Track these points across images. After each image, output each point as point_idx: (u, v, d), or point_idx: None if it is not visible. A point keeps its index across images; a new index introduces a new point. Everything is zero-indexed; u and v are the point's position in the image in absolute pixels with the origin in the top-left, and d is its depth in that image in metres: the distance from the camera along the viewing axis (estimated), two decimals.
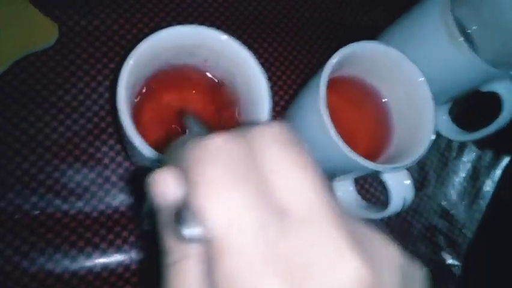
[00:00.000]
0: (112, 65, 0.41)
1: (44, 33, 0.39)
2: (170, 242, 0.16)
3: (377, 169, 0.33)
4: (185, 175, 0.15)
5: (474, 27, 0.46)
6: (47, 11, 0.40)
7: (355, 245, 0.14)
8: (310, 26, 0.49)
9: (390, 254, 0.16)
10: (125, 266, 0.36)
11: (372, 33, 0.46)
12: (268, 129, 0.16)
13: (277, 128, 0.16)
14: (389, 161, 0.37)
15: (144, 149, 0.27)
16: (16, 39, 0.38)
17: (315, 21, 0.50)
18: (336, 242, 0.14)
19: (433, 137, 0.35)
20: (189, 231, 0.14)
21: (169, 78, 0.35)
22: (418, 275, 0.17)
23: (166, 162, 0.17)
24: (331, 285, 0.13)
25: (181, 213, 0.14)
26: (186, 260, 0.15)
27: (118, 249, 0.36)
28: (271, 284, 0.13)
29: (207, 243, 0.14)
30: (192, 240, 0.14)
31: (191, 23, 0.44)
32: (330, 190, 0.16)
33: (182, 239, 0.14)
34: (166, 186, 0.16)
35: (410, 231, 0.47)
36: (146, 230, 0.34)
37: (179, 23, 0.44)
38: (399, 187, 0.35)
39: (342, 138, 0.33)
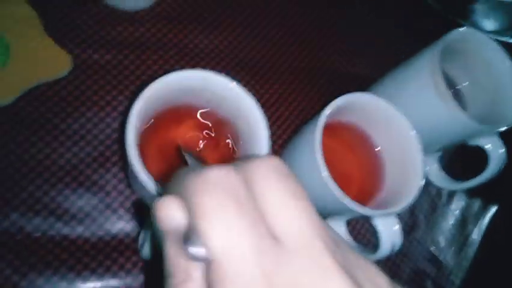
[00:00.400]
0: (121, 97, 0.43)
1: (58, 64, 0.42)
2: (175, 263, 0.17)
3: (366, 214, 0.35)
4: (187, 203, 0.17)
5: (464, 84, 0.48)
6: (62, 43, 0.42)
7: (344, 272, 0.15)
8: (308, 71, 0.52)
9: (379, 282, 0.17)
10: None
11: (364, 81, 0.49)
12: (264, 162, 0.17)
13: (272, 162, 0.17)
14: (380, 205, 0.39)
15: (148, 183, 0.29)
16: (31, 68, 0.41)
17: (312, 68, 0.52)
18: (325, 270, 0.15)
19: (421, 187, 0.37)
20: (194, 250, 0.15)
21: (173, 115, 0.37)
22: None
23: (169, 191, 0.18)
24: None
25: (186, 235, 0.16)
26: (190, 283, 0.16)
27: (114, 275, 0.37)
28: None
29: (208, 266, 0.15)
30: (196, 258, 0.16)
31: (195, 65, 0.47)
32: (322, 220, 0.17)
33: (188, 257, 0.16)
34: (169, 212, 0.17)
35: (399, 274, 0.48)
36: (144, 258, 0.35)
37: (184, 64, 0.47)
38: (389, 232, 0.36)
39: (335, 181, 0.34)
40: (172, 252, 0.17)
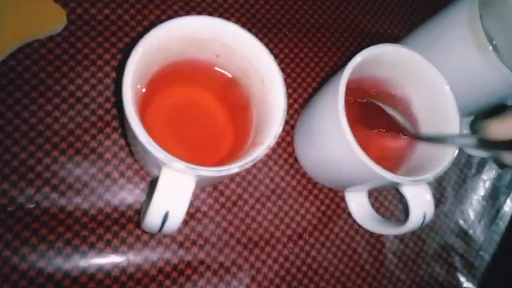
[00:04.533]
0: (120, 56, 0.39)
1: (51, 19, 0.38)
2: None
3: (396, 181, 0.31)
4: None
5: (500, 39, 0.44)
6: None
7: None
8: (327, 29, 0.48)
9: None
10: (121, 269, 0.34)
11: (387, 39, 0.44)
12: None
13: None
14: (409, 173, 0.35)
15: (148, 144, 0.25)
16: (21, 23, 0.37)
17: (331, 25, 0.48)
18: None
19: (457, 150, 0.33)
20: None
21: (177, 72, 0.33)
22: None
23: None
24: None
25: None
26: None
27: (115, 250, 0.34)
28: None
29: None
30: None
31: None
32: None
33: None
34: None
35: (425, 249, 0.44)
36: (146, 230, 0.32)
37: None
38: (420, 202, 0.33)
39: (360, 147, 0.31)
40: None
